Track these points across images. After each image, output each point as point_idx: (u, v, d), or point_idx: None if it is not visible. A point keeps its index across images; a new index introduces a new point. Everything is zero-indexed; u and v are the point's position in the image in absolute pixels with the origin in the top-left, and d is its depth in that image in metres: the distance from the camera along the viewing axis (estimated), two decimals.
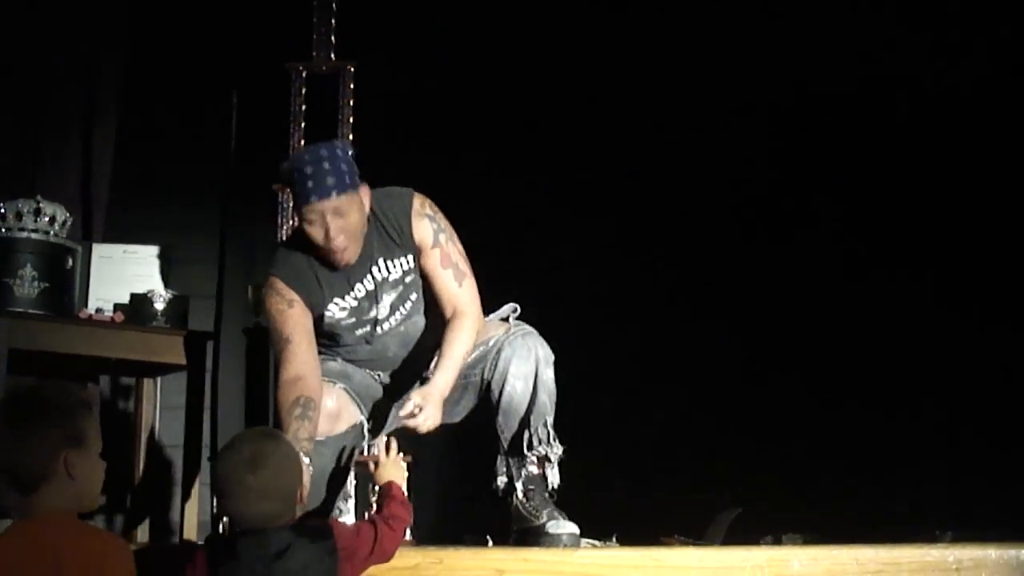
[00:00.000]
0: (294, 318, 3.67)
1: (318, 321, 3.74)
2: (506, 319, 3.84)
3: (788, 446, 5.14)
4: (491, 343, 3.76)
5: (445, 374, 3.61)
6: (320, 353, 3.77)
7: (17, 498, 2.47)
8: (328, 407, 3.63)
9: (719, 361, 5.43)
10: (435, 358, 3.72)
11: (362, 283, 3.74)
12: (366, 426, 3.76)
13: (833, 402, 5.15)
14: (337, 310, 3.74)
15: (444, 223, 3.82)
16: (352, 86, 5.67)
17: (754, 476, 5.07)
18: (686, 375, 5.48)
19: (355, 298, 3.75)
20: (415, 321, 3.84)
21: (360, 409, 3.74)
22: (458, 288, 3.78)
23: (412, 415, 3.49)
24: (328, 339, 3.81)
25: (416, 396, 3.52)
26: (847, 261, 5.35)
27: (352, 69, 5.71)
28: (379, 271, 3.74)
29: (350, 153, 3.66)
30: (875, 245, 5.30)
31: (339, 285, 3.73)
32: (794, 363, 5.31)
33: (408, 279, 3.79)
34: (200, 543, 3.36)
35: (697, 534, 4.66)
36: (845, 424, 5.09)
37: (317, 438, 3.54)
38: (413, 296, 3.80)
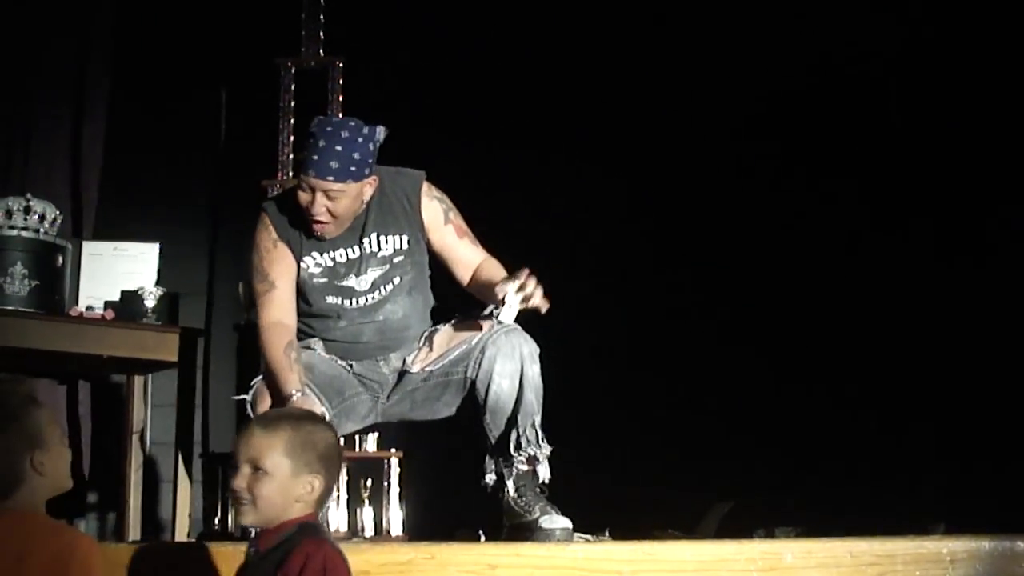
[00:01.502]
0: (278, 262, 3.70)
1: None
2: (489, 316, 3.81)
3: (781, 440, 5.14)
4: (474, 341, 3.71)
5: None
6: (300, 331, 3.76)
7: None
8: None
9: (712, 355, 5.43)
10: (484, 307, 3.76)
11: (347, 249, 3.73)
12: (328, 416, 3.55)
13: (826, 396, 5.15)
14: (312, 264, 3.72)
15: (450, 202, 3.85)
16: (341, 81, 5.67)
17: (746, 470, 5.07)
18: (679, 368, 5.48)
19: (332, 259, 3.73)
20: (394, 309, 3.79)
21: (320, 400, 3.58)
22: (476, 250, 3.83)
23: (523, 289, 3.50)
24: (305, 302, 3.77)
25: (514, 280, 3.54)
26: (841, 254, 5.35)
27: (341, 64, 5.71)
28: (369, 244, 3.73)
29: (378, 139, 3.64)
30: (876, 234, 5.30)
31: (320, 241, 3.72)
32: (788, 357, 5.32)
33: (397, 260, 3.76)
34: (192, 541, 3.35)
35: (690, 528, 4.68)
36: (838, 418, 5.10)
37: None
38: (397, 280, 3.77)
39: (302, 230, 3.71)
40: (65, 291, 4.65)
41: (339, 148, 3.54)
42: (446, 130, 5.74)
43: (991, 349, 4.84)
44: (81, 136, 5.65)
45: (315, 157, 3.55)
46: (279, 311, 3.66)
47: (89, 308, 4.66)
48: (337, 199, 3.57)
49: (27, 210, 4.50)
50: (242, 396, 3.61)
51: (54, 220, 4.60)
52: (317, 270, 3.73)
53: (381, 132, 3.66)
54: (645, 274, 5.70)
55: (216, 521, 5.32)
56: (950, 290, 5.01)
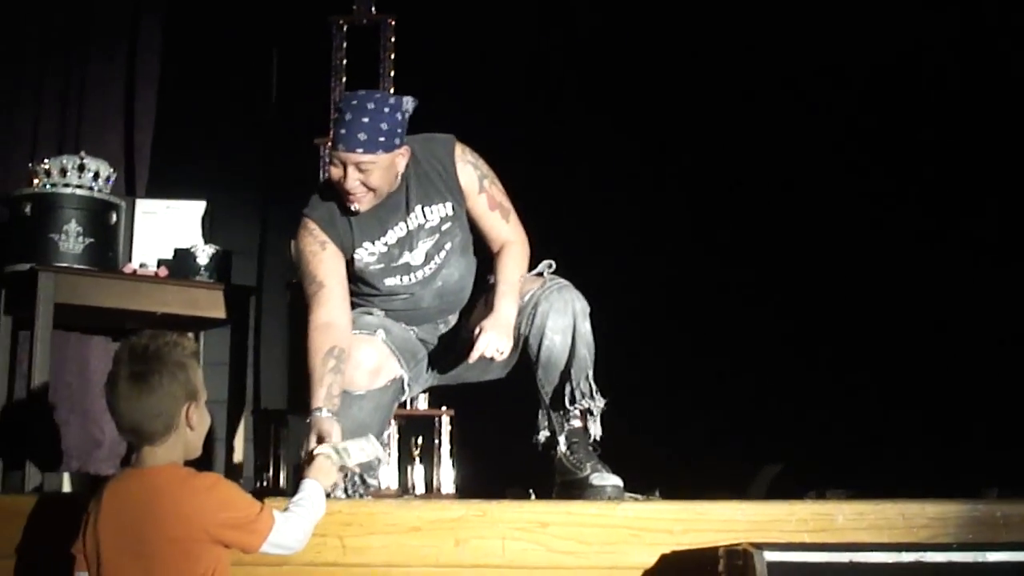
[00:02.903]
0: (327, 262, 3.65)
1: (348, 265, 3.72)
2: (541, 274, 3.80)
3: (832, 402, 5.11)
4: (527, 298, 3.70)
5: (504, 300, 3.59)
6: (358, 305, 3.77)
7: (140, 450, 2.60)
8: (369, 361, 3.61)
9: (763, 317, 5.40)
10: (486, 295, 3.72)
11: (395, 229, 3.72)
12: (406, 380, 3.72)
13: (878, 358, 5.11)
14: (366, 254, 3.71)
15: (486, 168, 3.81)
16: (392, 39, 5.66)
17: (797, 432, 5.05)
18: (730, 330, 5.46)
19: (386, 244, 3.72)
20: (450, 273, 3.80)
21: (400, 363, 3.71)
22: (506, 225, 3.79)
23: (481, 347, 3.47)
24: (363, 285, 3.78)
25: (481, 326, 3.51)
26: (893, 216, 5.29)
27: (393, 22, 5.70)
28: (416, 217, 3.72)
29: (406, 109, 3.61)
30: (918, 205, 5.24)
31: (371, 229, 3.70)
32: (839, 320, 5.28)
33: (445, 227, 3.76)
34: None
35: (740, 490, 4.66)
36: (889, 380, 5.05)
37: (357, 392, 3.55)
38: (448, 245, 3.77)
39: (350, 221, 3.69)
40: (119, 248, 4.68)
41: (366, 120, 3.53)
42: (495, 88, 5.72)
43: None
44: (134, 95, 5.69)
45: (343, 131, 3.54)
46: (328, 312, 3.58)
47: (142, 265, 4.69)
48: (368, 171, 3.55)
49: (81, 168, 4.54)
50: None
51: (108, 178, 4.64)
52: (372, 259, 3.72)
53: (410, 103, 3.64)
54: (699, 241, 5.67)
55: (268, 477, 5.36)
56: (1005, 246, 4.95)
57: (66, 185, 4.50)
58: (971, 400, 4.89)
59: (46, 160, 4.59)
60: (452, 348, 3.81)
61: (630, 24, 5.80)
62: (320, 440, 3.18)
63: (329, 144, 3.78)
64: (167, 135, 5.72)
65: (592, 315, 3.70)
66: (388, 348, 3.67)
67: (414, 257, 3.73)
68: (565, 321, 3.64)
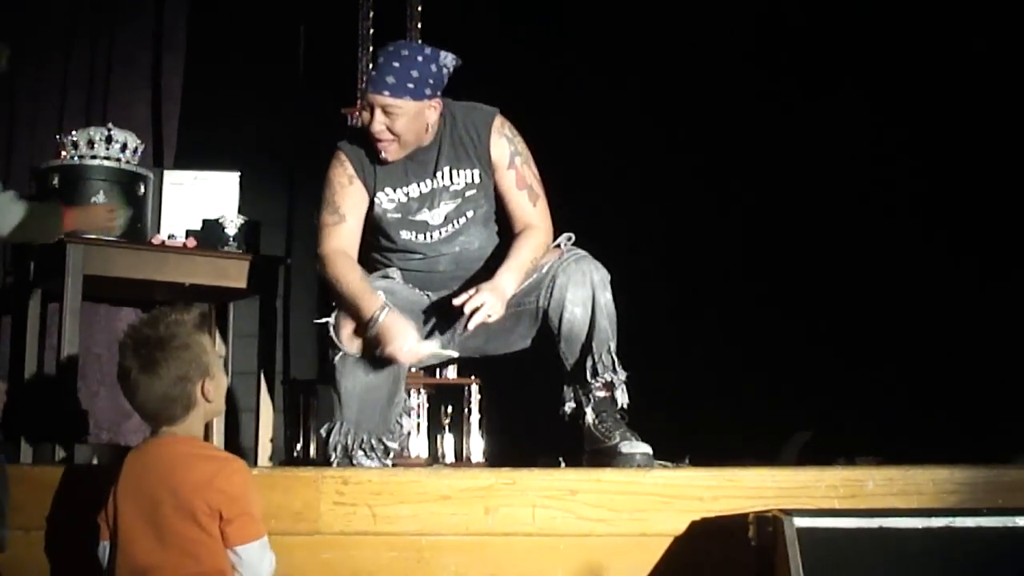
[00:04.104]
0: (352, 196, 3.73)
1: (368, 210, 3.77)
2: (558, 246, 3.78)
3: (860, 368, 5.08)
4: (544, 269, 3.69)
5: (508, 272, 3.59)
6: (378, 263, 3.81)
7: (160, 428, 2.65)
8: None
9: (795, 282, 5.37)
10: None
11: (419, 184, 3.74)
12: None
13: (906, 323, 5.08)
14: (385, 199, 3.74)
15: (522, 146, 3.82)
16: (420, 8, 5.65)
17: (827, 398, 5.03)
18: (760, 297, 5.43)
19: (406, 194, 3.74)
20: (469, 241, 3.80)
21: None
22: (532, 208, 3.78)
23: (474, 308, 3.46)
24: (381, 237, 3.80)
25: (477, 288, 3.52)
26: (932, 186, 5.24)
27: None
28: (442, 177, 3.74)
29: (444, 64, 3.65)
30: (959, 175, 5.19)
31: (394, 176, 3.74)
32: (869, 286, 5.24)
33: (469, 193, 3.77)
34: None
35: (769, 457, 4.65)
36: (918, 346, 5.02)
37: (362, 357, 3.55)
38: (470, 213, 3.78)
39: (376, 165, 3.73)
40: (147, 220, 4.69)
41: (396, 65, 3.58)
42: (525, 61, 5.70)
43: None
44: (161, 66, 5.70)
45: (374, 74, 3.62)
46: (344, 242, 3.68)
47: (171, 236, 4.70)
48: (394, 116, 3.60)
49: (109, 140, 4.55)
50: (324, 319, 3.62)
51: (135, 149, 4.65)
52: (391, 205, 3.75)
53: (450, 59, 3.66)
54: (727, 207, 5.64)
55: (298, 448, 5.38)
56: None
57: (94, 157, 4.51)
58: (1001, 365, 4.86)
59: (74, 132, 4.59)
60: (452, 315, 3.73)
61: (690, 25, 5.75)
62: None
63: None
64: (194, 106, 5.73)
65: (615, 283, 3.68)
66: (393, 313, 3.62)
67: (433, 216, 3.75)
68: (584, 292, 3.62)
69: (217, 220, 4.72)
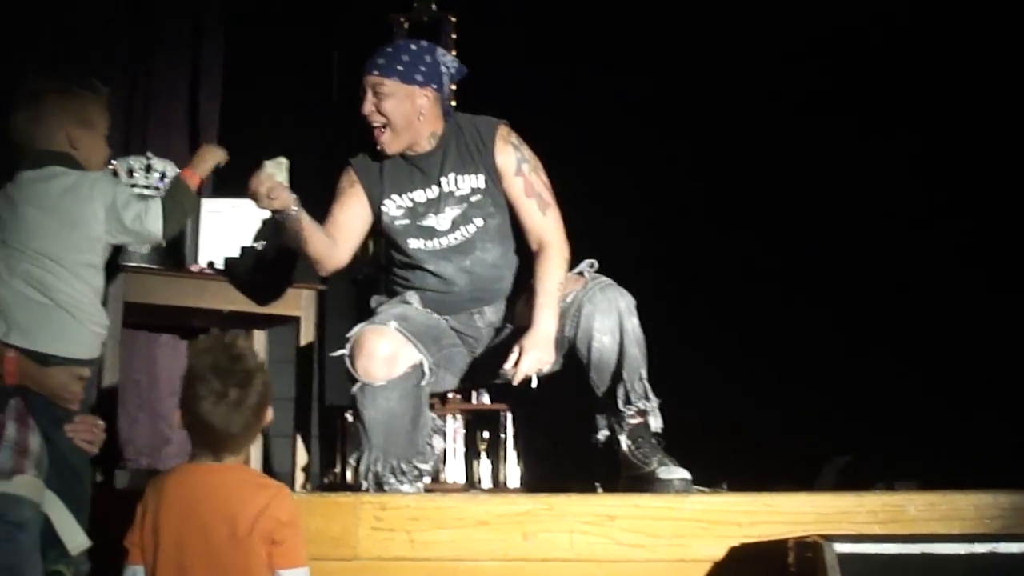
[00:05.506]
0: (349, 199, 3.87)
1: (376, 222, 3.85)
2: (582, 274, 3.77)
3: (902, 392, 5.05)
4: (569, 299, 3.68)
5: (543, 312, 3.60)
6: (398, 287, 3.87)
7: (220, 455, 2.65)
8: (383, 350, 3.58)
9: (831, 306, 5.34)
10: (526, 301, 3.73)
11: (425, 189, 3.80)
12: (427, 364, 3.64)
13: (948, 345, 5.04)
14: (393, 207, 3.80)
15: (529, 154, 3.84)
16: (453, 36, 5.68)
17: (865, 422, 5.00)
18: (796, 321, 5.40)
19: (412, 199, 3.80)
20: (483, 257, 3.81)
21: (418, 349, 3.63)
22: (542, 218, 3.78)
23: (517, 364, 3.49)
24: (393, 250, 3.87)
25: (521, 344, 3.54)
26: (956, 203, 5.21)
27: (453, 19, 5.71)
28: (447, 183, 3.78)
29: (441, 59, 3.78)
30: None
31: (401, 182, 3.81)
32: (908, 310, 5.21)
33: (475, 199, 3.78)
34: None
35: (807, 482, 4.63)
36: (960, 368, 4.99)
37: (378, 382, 3.56)
38: (479, 221, 3.79)
39: (383, 170, 3.82)
40: (186, 247, 4.72)
41: (390, 50, 3.78)
42: (555, 85, 5.72)
43: None
44: (198, 96, 5.76)
45: (369, 59, 3.77)
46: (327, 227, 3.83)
47: (210, 264, 4.73)
48: (383, 97, 3.71)
49: (148, 168, 4.58)
50: (340, 352, 3.64)
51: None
52: (398, 212, 3.80)
53: (449, 58, 3.83)
54: (757, 231, 5.62)
55: (334, 473, 5.39)
56: None
57: (133, 185, 4.53)
58: None
59: (113, 161, 4.62)
60: (495, 355, 3.75)
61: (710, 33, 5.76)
62: None
63: None
64: (231, 135, 5.76)
65: (643, 308, 3.68)
66: (402, 336, 3.62)
67: (439, 222, 3.78)
68: (611, 321, 3.62)
69: (254, 247, 4.74)
